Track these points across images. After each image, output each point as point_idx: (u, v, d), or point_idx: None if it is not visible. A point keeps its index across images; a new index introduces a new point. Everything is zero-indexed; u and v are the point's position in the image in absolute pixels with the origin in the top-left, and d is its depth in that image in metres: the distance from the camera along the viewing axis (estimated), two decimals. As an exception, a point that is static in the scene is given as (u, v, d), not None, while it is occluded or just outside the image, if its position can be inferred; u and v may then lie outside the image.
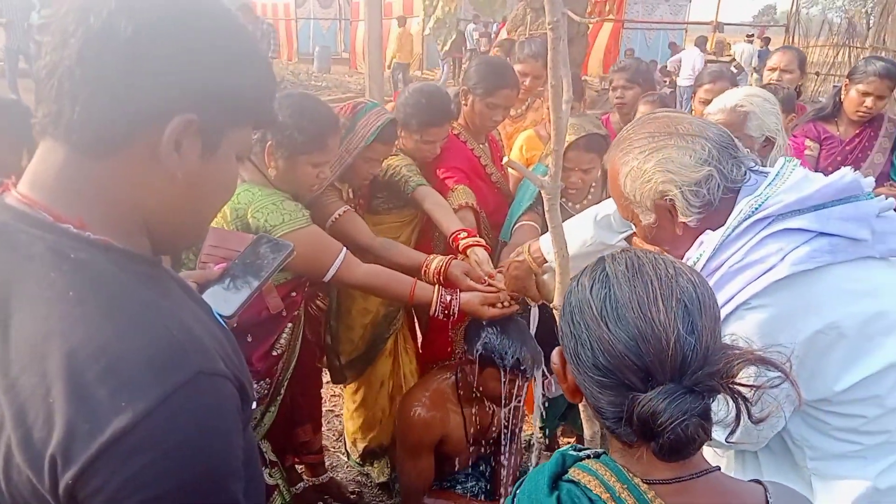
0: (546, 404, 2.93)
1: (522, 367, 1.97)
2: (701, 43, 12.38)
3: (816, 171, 3.00)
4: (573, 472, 0.88)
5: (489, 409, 2.25)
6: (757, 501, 0.83)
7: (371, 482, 2.87)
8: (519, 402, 2.10)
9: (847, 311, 1.15)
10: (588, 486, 0.84)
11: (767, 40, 13.87)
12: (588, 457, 0.93)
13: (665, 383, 0.77)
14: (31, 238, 0.69)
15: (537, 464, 2.96)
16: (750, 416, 0.77)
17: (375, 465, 2.82)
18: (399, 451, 2.18)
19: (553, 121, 1.40)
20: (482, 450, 2.47)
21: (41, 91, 0.71)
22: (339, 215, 2.13)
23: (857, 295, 1.16)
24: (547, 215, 1.53)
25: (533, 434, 2.71)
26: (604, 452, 0.95)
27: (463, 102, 2.58)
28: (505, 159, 1.48)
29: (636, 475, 0.83)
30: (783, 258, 1.14)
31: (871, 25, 13.88)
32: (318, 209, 2.13)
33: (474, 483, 2.37)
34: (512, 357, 1.95)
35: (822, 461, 1.24)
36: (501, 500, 2.25)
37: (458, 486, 2.34)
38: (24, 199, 0.72)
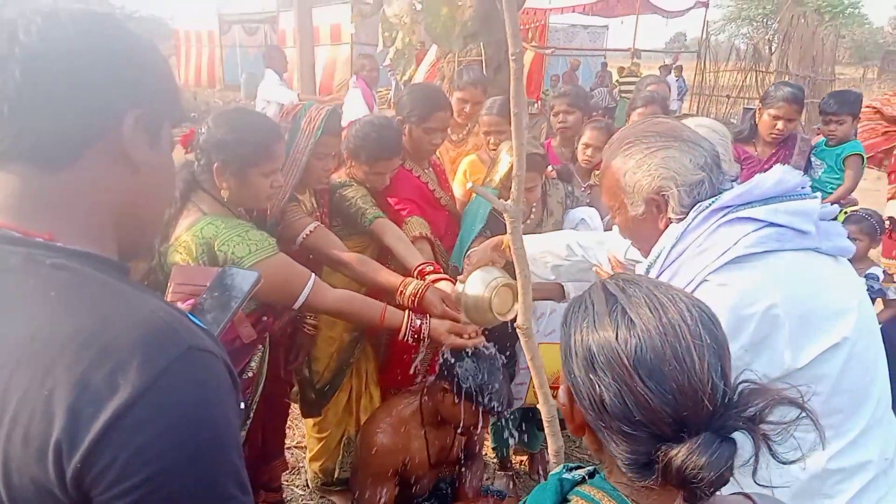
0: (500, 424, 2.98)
1: (498, 409, 2.02)
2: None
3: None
4: (575, 502, 0.88)
5: (451, 431, 2.27)
6: None
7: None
8: (483, 427, 2.14)
9: (790, 294, 1.24)
10: None
11: (680, 69, 14.56)
12: (584, 479, 0.93)
13: (700, 433, 0.75)
14: (3, 253, 0.70)
15: (492, 481, 2.99)
16: (775, 456, 0.75)
17: (338, 496, 2.78)
18: (361, 478, 2.16)
19: (515, 147, 1.45)
20: (442, 472, 2.48)
21: None
22: (311, 231, 2.13)
23: (800, 279, 1.28)
24: (510, 238, 1.58)
25: (486, 454, 2.74)
26: (595, 471, 0.94)
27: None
28: (469, 185, 1.53)
29: None
30: (736, 242, 1.27)
31: (773, 51, 14.87)
32: (286, 228, 2.12)
33: (436, 506, 2.38)
34: (489, 399, 1.99)
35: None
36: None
37: (421, 510, 2.34)
38: None
